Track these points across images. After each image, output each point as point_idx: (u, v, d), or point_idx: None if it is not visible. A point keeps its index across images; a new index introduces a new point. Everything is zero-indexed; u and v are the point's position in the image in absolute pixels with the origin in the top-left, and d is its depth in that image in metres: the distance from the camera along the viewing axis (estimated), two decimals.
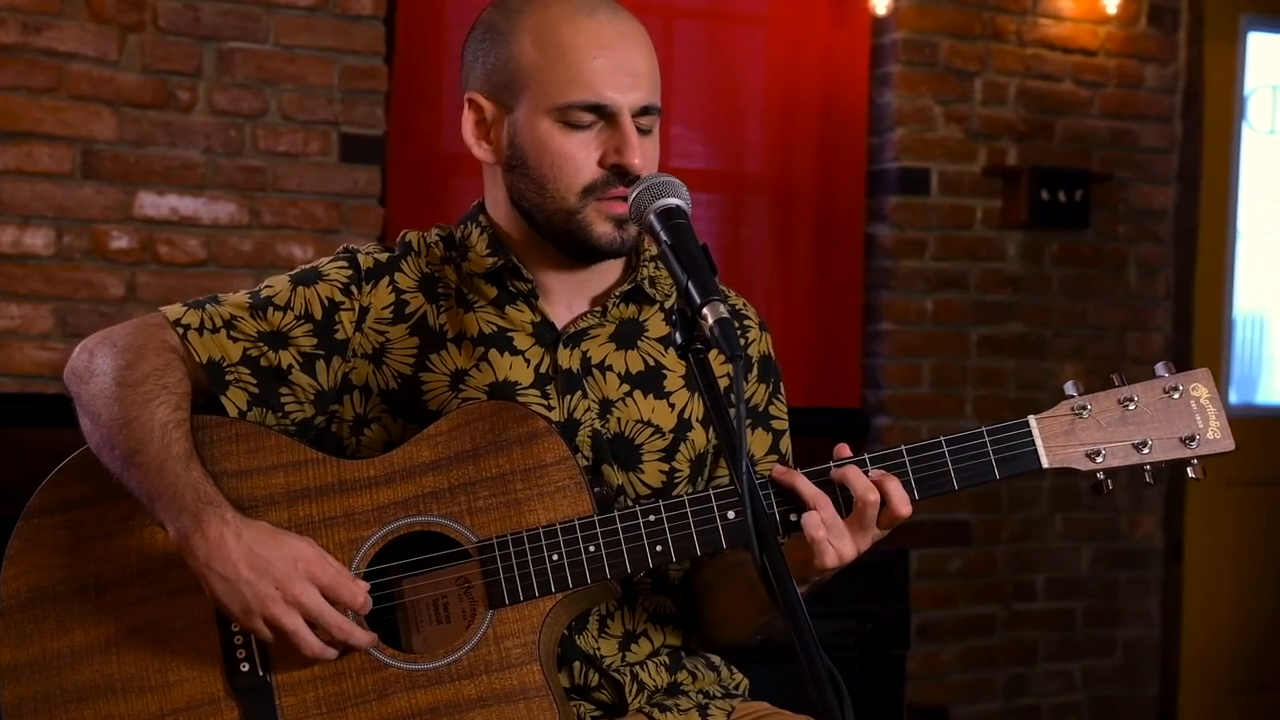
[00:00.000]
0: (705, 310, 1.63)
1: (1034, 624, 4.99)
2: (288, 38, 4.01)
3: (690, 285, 1.66)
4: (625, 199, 1.88)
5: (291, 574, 1.76)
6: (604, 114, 1.90)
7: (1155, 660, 5.20)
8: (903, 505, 1.83)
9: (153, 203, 3.90)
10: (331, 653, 1.79)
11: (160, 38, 3.88)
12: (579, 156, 1.90)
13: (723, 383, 1.77)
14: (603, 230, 1.92)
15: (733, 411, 1.60)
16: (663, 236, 1.73)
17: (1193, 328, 5.17)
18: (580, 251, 1.95)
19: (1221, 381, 5.25)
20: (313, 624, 1.78)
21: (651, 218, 1.76)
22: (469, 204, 4.50)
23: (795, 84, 4.62)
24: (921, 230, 4.78)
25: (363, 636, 1.80)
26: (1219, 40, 5.20)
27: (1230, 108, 5.28)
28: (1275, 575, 5.47)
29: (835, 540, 1.80)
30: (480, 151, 1.99)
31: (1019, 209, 4.81)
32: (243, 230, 3.98)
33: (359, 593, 1.80)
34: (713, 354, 1.68)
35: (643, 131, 1.92)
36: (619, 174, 1.90)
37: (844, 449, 1.87)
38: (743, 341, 2.03)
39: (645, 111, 1.92)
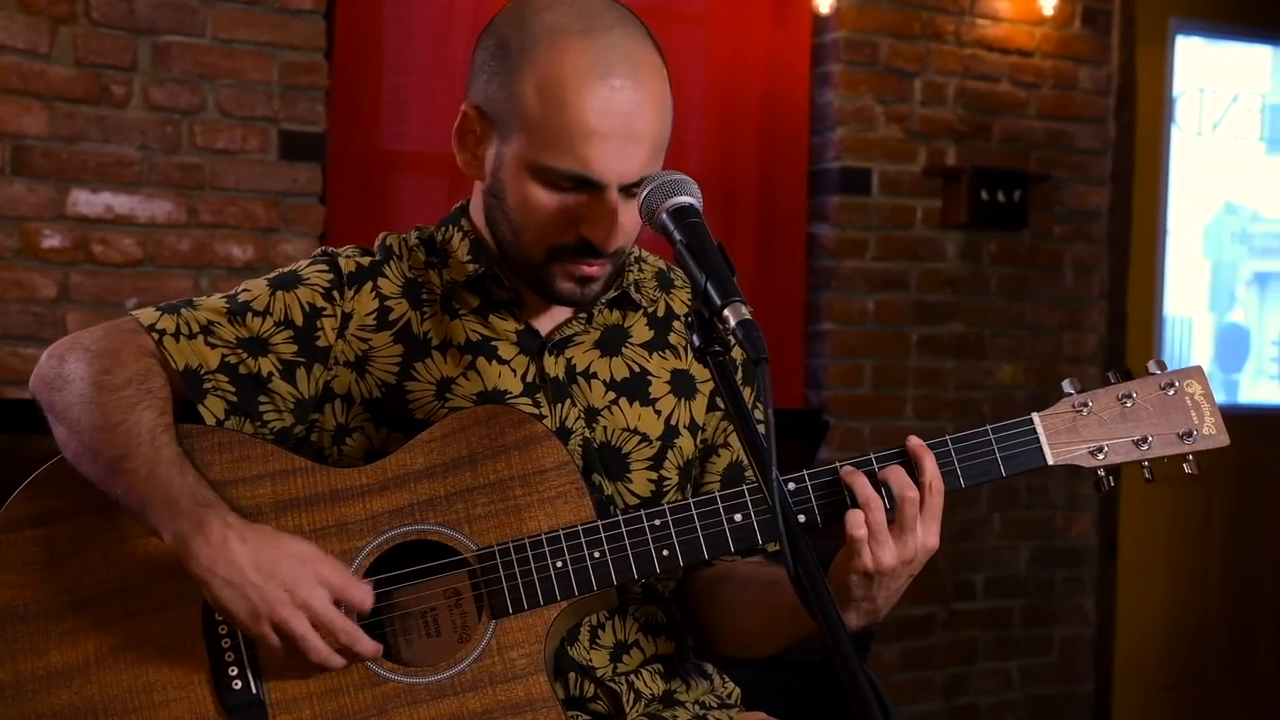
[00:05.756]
0: (726, 312, 1.58)
1: (973, 623, 5.01)
2: (225, 32, 3.91)
3: (709, 286, 1.61)
4: (591, 267, 1.84)
5: (300, 575, 1.69)
6: (589, 185, 1.80)
7: (1090, 657, 5.24)
8: (937, 480, 1.78)
9: (86, 200, 3.79)
10: (337, 660, 1.72)
11: (93, 30, 3.77)
12: (554, 217, 1.81)
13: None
14: (564, 286, 1.86)
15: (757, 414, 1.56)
16: (677, 236, 1.68)
17: (1126, 328, 5.22)
18: (542, 297, 1.91)
19: None
20: (318, 629, 1.70)
21: (664, 217, 1.70)
22: (410, 202, 4.45)
23: (736, 83, 4.59)
24: (862, 230, 4.78)
25: (367, 644, 1.73)
26: (1149, 44, 5.26)
27: (1160, 110, 5.34)
28: (1205, 573, 5.55)
29: (875, 546, 1.75)
30: (462, 164, 1.91)
31: (959, 209, 4.82)
32: (180, 229, 3.88)
33: (366, 594, 1.73)
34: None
35: (631, 196, 1.81)
36: (588, 247, 1.82)
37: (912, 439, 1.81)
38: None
39: (640, 183, 1.79)
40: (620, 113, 1.77)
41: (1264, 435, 5.50)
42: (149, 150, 3.84)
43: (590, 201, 1.80)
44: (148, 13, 3.82)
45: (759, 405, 2.09)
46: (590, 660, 1.90)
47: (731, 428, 1.99)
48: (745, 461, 2.04)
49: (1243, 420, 5.58)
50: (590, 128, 1.76)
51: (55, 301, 3.76)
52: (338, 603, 1.71)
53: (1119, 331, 5.19)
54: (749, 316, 1.57)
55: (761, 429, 2.08)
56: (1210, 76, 5.56)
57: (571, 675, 1.88)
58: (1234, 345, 5.79)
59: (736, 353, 2.00)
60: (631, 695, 1.90)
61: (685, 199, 1.70)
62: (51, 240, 3.75)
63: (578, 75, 1.76)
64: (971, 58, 4.89)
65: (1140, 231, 5.28)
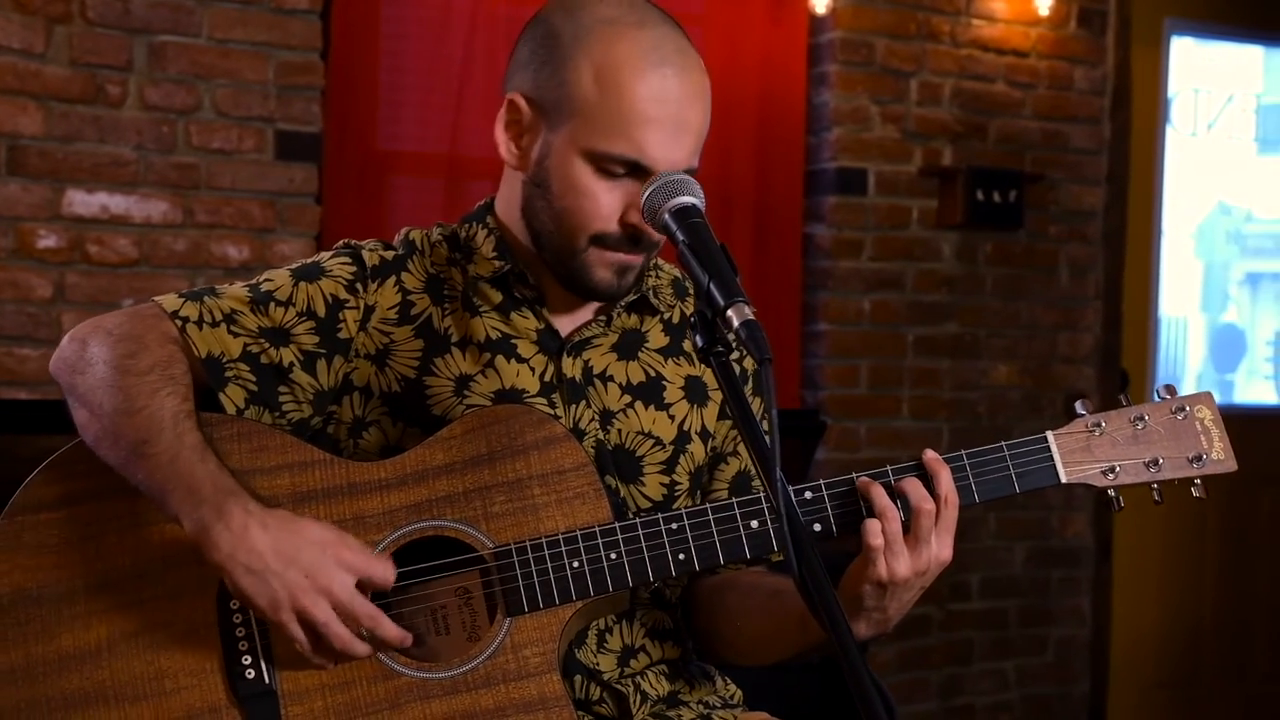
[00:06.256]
0: (730, 312, 1.58)
1: (969, 624, 5.00)
2: (221, 31, 3.89)
3: (712, 286, 1.61)
4: (631, 256, 1.85)
5: (320, 562, 1.68)
6: (639, 170, 1.81)
7: (1086, 657, 5.24)
8: (953, 494, 1.79)
9: (82, 200, 3.77)
10: (360, 647, 1.71)
11: (89, 30, 3.75)
12: (602, 202, 1.82)
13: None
14: (602, 275, 1.87)
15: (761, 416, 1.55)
16: (680, 236, 1.68)
17: (1122, 328, 5.22)
18: (575, 289, 1.90)
19: (1147, 383, 5.31)
20: (340, 614, 1.69)
21: (666, 217, 1.70)
22: (405, 202, 4.43)
23: (733, 83, 4.58)
24: (858, 230, 4.77)
25: (390, 629, 1.71)
26: (1144, 44, 5.27)
27: (1155, 110, 5.36)
28: (1200, 573, 5.55)
29: (891, 556, 1.75)
30: (507, 154, 1.91)
31: (954, 209, 4.82)
32: (176, 229, 3.86)
33: (388, 571, 1.72)
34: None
35: None
36: (632, 237, 1.84)
37: (928, 453, 1.82)
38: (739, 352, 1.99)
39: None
40: (672, 99, 1.80)
41: (1259, 436, 5.50)
42: (144, 150, 3.82)
43: (637, 189, 1.80)
44: (143, 12, 3.80)
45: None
46: (597, 664, 1.90)
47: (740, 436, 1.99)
48: (753, 470, 2.04)
49: (1237, 421, 5.54)
50: (646, 113, 1.79)
51: (50, 302, 3.74)
52: (361, 585, 1.70)
53: (1114, 332, 5.19)
54: (752, 317, 1.56)
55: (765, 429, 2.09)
56: (1205, 77, 5.58)
57: (578, 678, 1.88)
58: (1229, 346, 5.80)
59: (748, 362, 2.00)
60: (638, 697, 1.90)
61: (688, 199, 1.71)
62: (47, 240, 3.73)
63: (635, 60, 1.79)
64: (967, 58, 4.89)
65: (1135, 232, 5.28)
